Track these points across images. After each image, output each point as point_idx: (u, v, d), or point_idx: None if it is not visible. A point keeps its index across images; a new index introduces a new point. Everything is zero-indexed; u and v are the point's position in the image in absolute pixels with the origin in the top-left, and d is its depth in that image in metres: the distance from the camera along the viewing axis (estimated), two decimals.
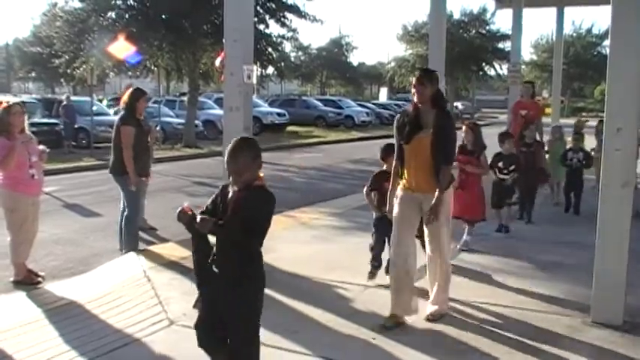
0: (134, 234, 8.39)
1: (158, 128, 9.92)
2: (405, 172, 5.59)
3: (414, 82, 5.55)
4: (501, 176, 9.32)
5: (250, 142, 4.06)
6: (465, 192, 8.03)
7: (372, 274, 6.67)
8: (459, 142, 7.38)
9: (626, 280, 5.60)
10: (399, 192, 5.66)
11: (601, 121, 13.93)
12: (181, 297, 6.12)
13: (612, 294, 5.63)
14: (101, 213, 11.26)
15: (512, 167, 9.25)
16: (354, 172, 18.28)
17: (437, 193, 5.37)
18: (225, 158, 3.97)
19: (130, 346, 5.13)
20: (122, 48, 18.71)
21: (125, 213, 8.28)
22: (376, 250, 6.70)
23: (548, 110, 27.94)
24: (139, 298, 6.29)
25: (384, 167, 6.53)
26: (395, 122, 5.71)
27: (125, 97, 8.51)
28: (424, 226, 5.68)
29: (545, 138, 12.10)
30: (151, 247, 8.41)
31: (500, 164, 9.31)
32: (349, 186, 14.72)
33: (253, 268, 3.93)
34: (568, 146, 11.85)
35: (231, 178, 3.96)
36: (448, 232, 5.76)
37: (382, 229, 6.44)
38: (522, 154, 9.99)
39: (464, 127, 8.28)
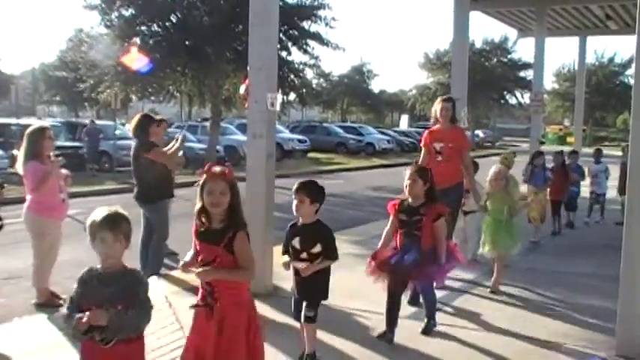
0: (161, 257, 8.43)
1: (180, 153, 9.93)
2: None
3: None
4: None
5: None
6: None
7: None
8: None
9: None
10: None
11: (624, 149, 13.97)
12: None
13: (638, 327, 5.55)
14: None
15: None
16: (375, 200, 18.24)
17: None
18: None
19: None
20: (134, 59, 18.87)
21: (154, 236, 8.32)
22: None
23: (570, 139, 27.82)
24: (160, 323, 6.28)
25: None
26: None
27: (135, 124, 8.51)
28: None
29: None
30: (172, 272, 8.42)
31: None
32: (370, 213, 14.68)
33: None
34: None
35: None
36: None
37: None
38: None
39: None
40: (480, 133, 57.03)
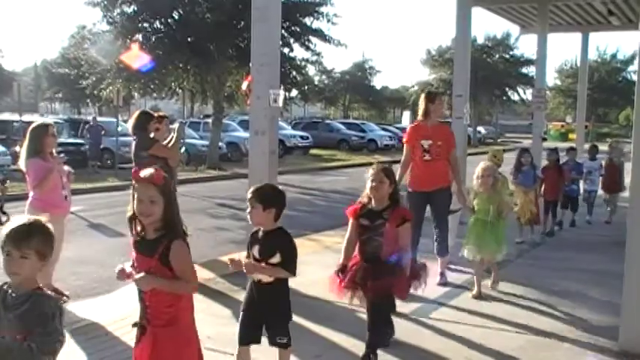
0: None
1: (182, 150, 9.98)
2: None
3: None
4: None
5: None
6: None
7: None
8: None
9: None
10: None
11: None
12: (206, 319, 6.10)
13: None
14: (125, 233, 11.22)
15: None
16: None
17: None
18: None
19: None
20: (135, 57, 18.85)
21: None
22: None
23: (572, 136, 27.61)
24: None
25: None
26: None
27: (134, 121, 8.45)
28: None
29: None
30: None
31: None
32: None
33: None
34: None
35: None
36: None
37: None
38: None
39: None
40: (481, 129, 56.98)
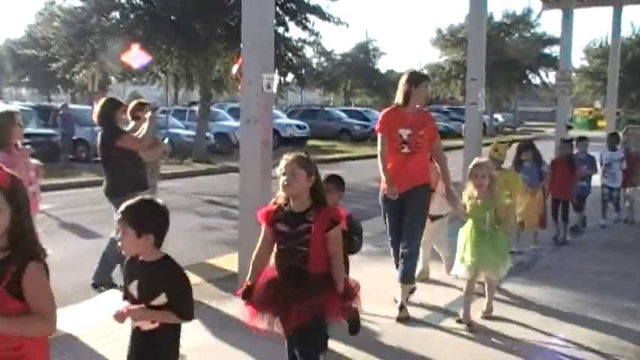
0: (110, 261, 8.20)
1: (166, 141, 9.99)
2: None
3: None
4: None
5: None
6: None
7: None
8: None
9: None
10: None
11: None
12: (191, 328, 6.14)
13: None
14: (101, 234, 11.27)
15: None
16: None
17: None
18: None
19: None
20: (136, 57, 18.86)
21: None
22: None
23: (601, 123, 27.47)
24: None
25: None
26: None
27: (99, 110, 8.21)
28: None
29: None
30: None
31: None
32: (376, 207, 14.60)
33: None
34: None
35: None
36: None
37: None
38: None
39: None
40: (499, 117, 57.01)
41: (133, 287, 3.78)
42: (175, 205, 14.67)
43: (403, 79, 7.22)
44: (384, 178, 7.01)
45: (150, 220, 3.70)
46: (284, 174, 4.51)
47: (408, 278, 6.98)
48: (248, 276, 4.65)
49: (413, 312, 6.86)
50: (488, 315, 6.90)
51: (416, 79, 7.18)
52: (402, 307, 6.88)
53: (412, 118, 7.04)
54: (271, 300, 4.51)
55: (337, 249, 4.57)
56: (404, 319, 6.79)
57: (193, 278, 7.78)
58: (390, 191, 6.94)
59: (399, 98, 7.18)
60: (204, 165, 24.39)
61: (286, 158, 4.56)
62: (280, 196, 4.64)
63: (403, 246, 6.99)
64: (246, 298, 4.57)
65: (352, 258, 9.02)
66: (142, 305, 3.69)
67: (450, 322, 6.73)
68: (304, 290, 4.42)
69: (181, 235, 10.70)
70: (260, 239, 4.70)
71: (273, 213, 4.62)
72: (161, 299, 3.66)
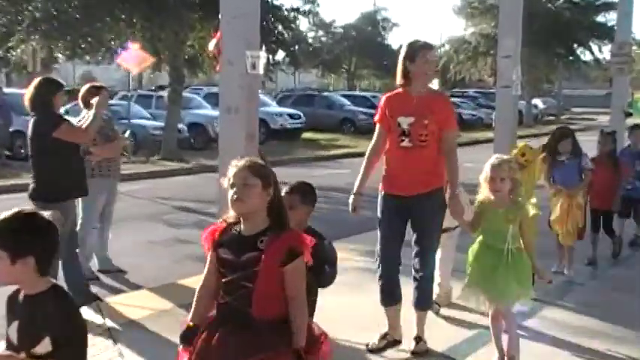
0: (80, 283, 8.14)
1: (127, 134, 9.91)
2: None
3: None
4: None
5: None
6: None
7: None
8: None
9: None
10: None
11: None
12: None
13: None
14: None
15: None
16: None
17: None
18: None
19: None
20: (138, 59, 18.87)
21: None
22: None
23: None
24: None
25: None
26: None
27: (33, 92, 8.00)
28: None
29: None
30: (118, 297, 8.47)
31: None
32: None
33: None
34: None
35: None
36: None
37: None
38: None
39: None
40: (538, 102, 57.02)
41: (13, 330, 3.54)
42: (139, 212, 14.69)
43: (402, 52, 6.81)
44: (359, 176, 6.95)
45: (27, 238, 3.44)
46: (232, 185, 4.19)
47: (424, 303, 6.87)
48: (190, 314, 4.37)
49: (432, 344, 6.86)
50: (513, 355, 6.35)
51: (410, 52, 6.68)
52: (418, 339, 6.76)
53: (417, 102, 6.62)
54: (213, 354, 4.12)
55: (297, 289, 4.18)
56: (422, 352, 6.70)
57: (162, 303, 7.84)
58: (354, 200, 7.13)
59: (398, 79, 6.81)
60: (175, 163, 24.38)
61: (236, 165, 4.25)
62: (231, 215, 4.34)
63: (415, 264, 6.84)
64: (185, 342, 4.27)
65: (353, 277, 9.06)
66: (22, 354, 3.44)
67: (478, 358, 6.75)
68: (247, 341, 4.06)
69: (146, 251, 10.70)
70: (206, 266, 4.39)
71: (219, 234, 4.33)
72: (45, 346, 3.40)
